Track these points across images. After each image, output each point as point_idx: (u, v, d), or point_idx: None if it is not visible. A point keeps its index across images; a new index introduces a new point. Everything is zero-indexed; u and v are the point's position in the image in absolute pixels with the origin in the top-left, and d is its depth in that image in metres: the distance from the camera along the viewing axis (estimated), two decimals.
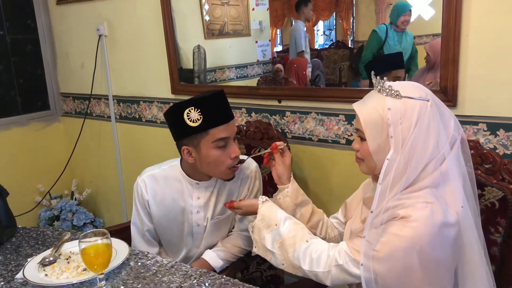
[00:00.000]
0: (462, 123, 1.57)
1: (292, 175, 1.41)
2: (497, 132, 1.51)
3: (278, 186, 1.42)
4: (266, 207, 1.30)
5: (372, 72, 1.17)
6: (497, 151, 1.50)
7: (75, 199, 3.09)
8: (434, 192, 1.07)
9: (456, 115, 1.56)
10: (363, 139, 1.14)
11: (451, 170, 1.08)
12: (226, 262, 1.53)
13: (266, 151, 1.41)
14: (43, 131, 3.18)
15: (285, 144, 1.40)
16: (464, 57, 1.53)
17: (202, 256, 1.53)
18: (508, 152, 1.50)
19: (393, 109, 1.07)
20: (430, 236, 1.02)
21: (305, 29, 2.59)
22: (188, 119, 1.37)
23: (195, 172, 1.51)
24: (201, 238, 1.59)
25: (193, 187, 1.54)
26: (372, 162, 1.14)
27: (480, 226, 1.14)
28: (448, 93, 1.56)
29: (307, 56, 2.55)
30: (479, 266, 1.11)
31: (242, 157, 1.49)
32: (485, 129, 1.53)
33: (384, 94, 1.10)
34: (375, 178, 1.19)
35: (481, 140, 1.53)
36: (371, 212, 1.10)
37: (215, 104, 1.40)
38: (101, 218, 3.16)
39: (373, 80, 1.15)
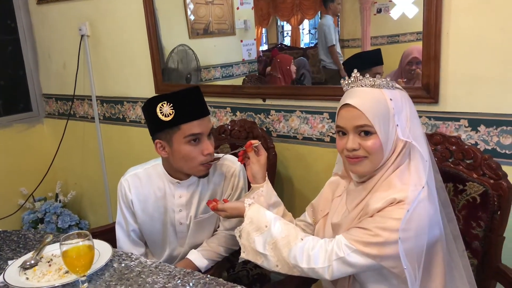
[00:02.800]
0: (444, 119, 1.59)
1: (266, 174, 1.40)
2: (478, 128, 1.53)
3: (252, 185, 1.40)
4: (253, 209, 1.27)
5: (355, 70, 1.18)
6: (478, 146, 1.52)
7: (60, 201, 3.05)
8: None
9: (438, 112, 1.60)
10: (368, 134, 1.13)
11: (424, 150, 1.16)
12: (211, 262, 1.53)
13: (240, 149, 1.39)
14: (26, 133, 3.13)
15: (259, 142, 1.39)
16: (445, 54, 1.54)
17: (187, 256, 1.52)
18: (489, 148, 1.52)
19: (394, 99, 1.14)
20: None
21: (333, 23, 2.60)
22: (161, 113, 1.39)
23: (175, 170, 1.51)
24: (185, 237, 1.58)
25: (175, 186, 1.53)
26: (380, 155, 1.14)
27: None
28: (430, 90, 1.58)
29: (338, 49, 2.56)
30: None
31: (217, 155, 1.50)
32: (466, 125, 1.55)
33: (381, 87, 1.14)
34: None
35: (463, 136, 1.54)
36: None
37: (188, 100, 1.41)
38: (87, 220, 3.12)
39: (356, 77, 1.17)
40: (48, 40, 2.99)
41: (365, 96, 1.14)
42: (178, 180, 1.52)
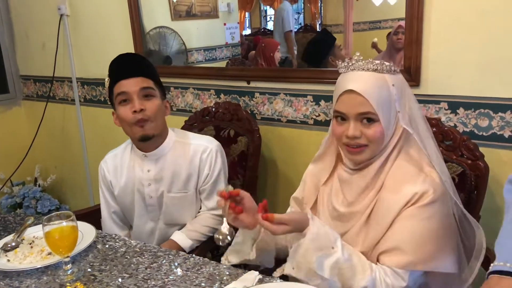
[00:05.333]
0: (425, 102, 1.61)
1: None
2: (457, 111, 1.56)
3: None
4: (317, 225, 1.07)
5: (357, 53, 1.14)
6: (457, 128, 1.55)
7: (39, 186, 3.00)
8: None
9: (419, 95, 1.62)
10: (370, 121, 1.09)
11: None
12: (195, 242, 1.54)
13: (226, 207, 1.13)
14: (3, 116, 3.05)
15: (229, 185, 1.17)
16: (426, 38, 1.56)
17: (171, 237, 1.53)
18: (467, 130, 1.55)
19: (396, 84, 1.11)
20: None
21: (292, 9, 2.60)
22: (106, 84, 1.52)
23: (133, 140, 1.56)
24: (156, 211, 1.59)
25: (142, 159, 1.56)
26: (381, 143, 1.12)
27: None
28: (411, 73, 1.60)
29: (293, 35, 2.55)
30: None
31: (197, 135, 1.63)
32: (446, 107, 1.58)
33: (383, 72, 1.10)
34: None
35: (442, 119, 1.57)
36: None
37: (118, 63, 1.50)
38: (67, 205, 3.08)
39: (358, 60, 1.12)
40: (26, 20, 2.89)
41: (369, 82, 1.09)
42: (144, 153, 1.55)
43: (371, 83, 1.09)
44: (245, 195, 1.16)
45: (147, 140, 1.49)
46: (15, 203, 2.91)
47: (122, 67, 1.49)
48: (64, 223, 1.13)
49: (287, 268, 1.10)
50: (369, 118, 1.09)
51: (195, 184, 1.58)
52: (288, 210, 1.39)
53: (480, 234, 1.17)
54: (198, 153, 1.57)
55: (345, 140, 1.12)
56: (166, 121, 1.58)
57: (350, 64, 1.12)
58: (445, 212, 1.11)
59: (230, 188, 1.14)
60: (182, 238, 1.52)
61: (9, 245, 1.32)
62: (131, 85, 1.45)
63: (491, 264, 0.86)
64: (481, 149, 1.42)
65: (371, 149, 1.12)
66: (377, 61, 1.10)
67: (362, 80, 1.09)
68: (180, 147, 1.57)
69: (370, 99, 1.07)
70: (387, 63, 1.11)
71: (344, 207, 1.20)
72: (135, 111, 1.44)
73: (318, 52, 2.17)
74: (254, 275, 1.11)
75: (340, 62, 1.16)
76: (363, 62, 1.11)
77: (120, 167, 1.60)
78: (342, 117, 1.13)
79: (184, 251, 1.49)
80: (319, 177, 1.29)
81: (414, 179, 1.10)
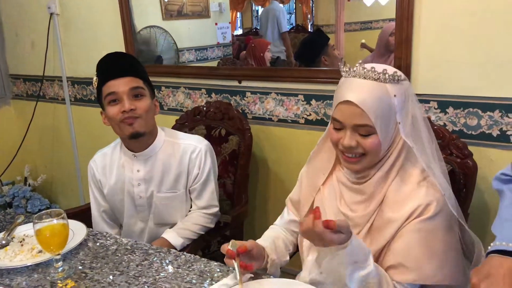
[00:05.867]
0: None
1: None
2: (447, 110, 1.58)
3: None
4: (356, 238, 1.00)
5: (360, 61, 1.09)
6: (446, 127, 1.58)
7: (29, 185, 2.98)
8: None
9: None
10: (367, 133, 1.06)
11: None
12: (186, 240, 1.54)
13: (236, 265, 1.06)
14: None
15: (233, 240, 1.10)
16: (416, 38, 1.58)
17: (162, 235, 1.53)
18: (456, 129, 1.57)
19: (398, 95, 1.06)
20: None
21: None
22: (94, 84, 1.51)
23: (122, 140, 1.56)
24: (146, 211, 1.59)
25: (132, 159, 1.56)
26: (378, 153, 1.09)
27: None
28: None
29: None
30: None
31: (186, 135, 1.64)
32: (436, 107, 1.60)
33: (386, 82, 1.05)
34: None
35: (432, 118, 1.59)
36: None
37: (106, 63, 1.50)
38: (58, 204, 3.06)
39: (360, 67, 1.07)
40: (15, 18, 2.87)
41: (368, 93, 1.04)
42: (133, 153, 1.55)
43: (369, 94, 1.04)
44: (252, 246, 1.13)
45: (138, 137, 1.48)
46: (4, 202, 2.88)
47: (110, 66, 1.48)
48: (55, 221, 1.13)
49: (312, 273, 1.07)
50: (365, 130, 1.06)
51: (184, 184, 1.58)
52: (284, 211, 1.37)
53: (479, 244, 1.17)
54: (187, 152, 1.57)
55: (341, 148, 1.11)
56: (157, 120, 1.58)
57: (352, 70, 1.08)
58: (447, 224, 1.09)
59: (235, 244, 1.07)
60: (173, 236, 1.52)
61: None
62: (121, 85, 1.44)
63: (491, 244, 0.86)
64: (470, 147, 1.44)
65: (368, 159, 1.09)
66: (380, 70, 1.05)
67: (362, 90, 1.05)
68: (170, 146, 1.57)
69: (368, 111, 1.03)
70: (390, 72, 1.05)
71: (349, 211, 1.17)
72: (124, 111, 1.43)
73: (311, 51, 2.18)
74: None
75: (342, 65, 1.11)
76: (365, 70, 1.06)
77: (110, 166, 1.60)
78: (339, 125, 1.10)
79: (175, 249, 1.49)
80: (315, 178, 1.25)
81: (417, 192, 1.08)
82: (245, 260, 1.09)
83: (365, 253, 1.00)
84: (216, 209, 1.63)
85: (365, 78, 1.06)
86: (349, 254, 0.97)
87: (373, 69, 1.05)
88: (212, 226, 1.62)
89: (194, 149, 1.57)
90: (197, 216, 1.59)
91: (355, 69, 1.08)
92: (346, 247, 0.96)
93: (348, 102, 1.05)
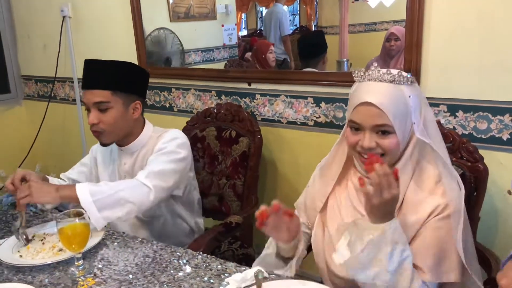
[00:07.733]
0: None
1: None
2: (456, 113, 1.61)
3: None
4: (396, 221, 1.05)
5: (375, 64, 1.12)
6: (456, 131, 1.60)
7: None
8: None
9: None
10: (386, 133, 1.09)
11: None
12: (99, 204, 1.36)
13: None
14: (4, 115, 3.08)
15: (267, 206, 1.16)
16: (426, 41, 1.60)
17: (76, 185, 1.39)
18: (466, 132, 1.59)
19: (412, 96, 1.09)
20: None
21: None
22: None
23: None
24: None
25: (120, 152, 1.66)
26: (396, 153, 1.11)
27: None
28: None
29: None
30: None
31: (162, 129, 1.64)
32: (445, 110, 1.62)
33: (400, 84, 1.08)
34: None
35: (442, 121, 1.61)
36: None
37: (84, 70, 1.54)
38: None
39: (376, 70, 1.10)
40: (28, 21, 2.92)
41: (386, 94, 1.08)
42: (120, 147, 1.64)
43: (388, 95, 1.07)
44: (297, 219, 1.20)
45: (107, 145, 1.59)
46: (15, 201, 2.91)
47: (85, 76, 1.53)
48: (77, 221, 1.16)
49: (349, 254, 1.07)
50: (384, 130, 1.09)
51: None
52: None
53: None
54: (159, 143, 1.56)
55: (359, 149, 1.13)
56: (168, 121, 1.61)
57: (367, 74, 1.11)
58: (464, 222, 1.11)
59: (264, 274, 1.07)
60: (83, 188, 1.37)
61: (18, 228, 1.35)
62: (88, 97, 1.50)
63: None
64: (480, 151, 1.45)
65: (387, 159, 1.11)
66: (394, 72, 1.08)
67: (379, 92, 1.08)
68: (152, 142, 1.61)
69: (387, 111, 1.06)
70: (404, 74, 1.09)
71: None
72: (91, 124, 1.51)
73: (312, 50, 2.20)
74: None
75: (355, 71, 1.14)
76: (380, 72, 1.09)
77: (108, 155, 1.70)
78: (357, 127, 1.12)
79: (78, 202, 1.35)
80: (328, 179, 1.27)
81: (435, 192, 1.12)
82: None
83: (404, 238, 1.05)
84: (152, 189, 1.43)
85: (380, 80, 1.09)
86: (393, 232, 1.02)
87: (388, 72, 1.08)
88: (142, 199, 1.42)
89: (163, 135, 1.59)
90: (130, 181, 1.46)
91: (370, 72, 1.10)
92: (390, 223, 1.02)
93: (366, 103, 1.08)
